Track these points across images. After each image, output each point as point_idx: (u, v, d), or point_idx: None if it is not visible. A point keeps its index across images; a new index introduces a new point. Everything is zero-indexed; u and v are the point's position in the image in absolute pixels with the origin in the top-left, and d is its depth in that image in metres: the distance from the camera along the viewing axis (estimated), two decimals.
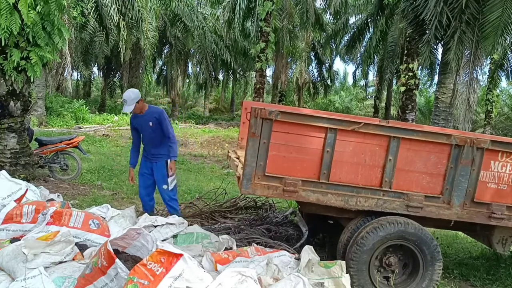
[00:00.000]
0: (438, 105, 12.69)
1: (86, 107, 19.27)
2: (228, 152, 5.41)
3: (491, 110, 21.81)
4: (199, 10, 24.16)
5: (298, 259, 3.76)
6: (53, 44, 6.67)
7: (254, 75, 20.45)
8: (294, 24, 22.52)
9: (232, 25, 19.99)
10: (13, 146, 6.97)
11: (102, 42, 21.30)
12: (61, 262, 3.23)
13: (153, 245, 3.28)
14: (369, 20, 19.04)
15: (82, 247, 3.61)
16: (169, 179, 4.97)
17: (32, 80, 7.11)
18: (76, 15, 12.07)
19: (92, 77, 35.97)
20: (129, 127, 5.74)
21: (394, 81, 24.43)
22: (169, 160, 4.95)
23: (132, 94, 4.78)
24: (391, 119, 18.57)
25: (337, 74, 37.16)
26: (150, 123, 4.90)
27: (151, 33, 18.79)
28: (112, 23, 16.92)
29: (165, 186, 4.97)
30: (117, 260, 2.87)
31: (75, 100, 20.44)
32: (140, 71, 23.05)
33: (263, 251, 3.84)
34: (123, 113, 4.91)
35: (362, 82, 32.69)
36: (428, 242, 3.72)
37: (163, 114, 4.94)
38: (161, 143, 4.98)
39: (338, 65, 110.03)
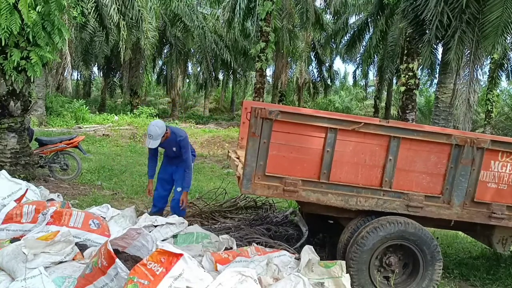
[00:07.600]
0: (438, 105, 12.68)
1: (86, 107, 19.24)
2: (228, 152, 5.42)
3: (491, 110, 21.83)
4: (199, 10, 24.13)
5: (298, 259, 3.76)
6: (53, 44, 6.68)
7: (254, 75, 20.45)
8: (294, 24, 22.50)
9: (232, 25, 19.98)
10: (13, 146, 6.97)
11: (102, 42, 21.28)
12: (61, 262, 3.23)
13: (153, 245, 3.28)
14: (369, 20, 19.03)
15: (82, 247, 3.62)
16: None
17: (32, 80, 7.12)
18: (76, 15, 12.03)
19: (92, 77, 35.98)
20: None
21: (394, 81, 24.43)
22: (179, 189, 5.01)
23: (158, 130, 4.62)
24: (391, 119, 18.54)
25: (337, 74, 37.16)
26: (174, 149, 4.95)
27: (151, 33, 18.76)
28: (112, 23, 16.90)
29: (179, 189, 5.05)
30: (117, 260, 2.87)
31: (75, 100, 20.39)
32: (140, 71, 23.02)
33: (263, 251, 3.84)
34: (147, 146, 4.86)
35: (362, 82, 32.74)
36: (428, 242, 3.72)
37: (183, 142, 4.92)
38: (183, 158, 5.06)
39: (338, 65, 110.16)
